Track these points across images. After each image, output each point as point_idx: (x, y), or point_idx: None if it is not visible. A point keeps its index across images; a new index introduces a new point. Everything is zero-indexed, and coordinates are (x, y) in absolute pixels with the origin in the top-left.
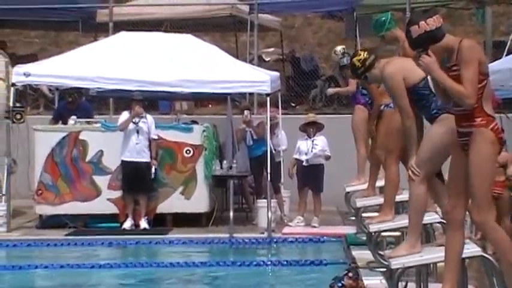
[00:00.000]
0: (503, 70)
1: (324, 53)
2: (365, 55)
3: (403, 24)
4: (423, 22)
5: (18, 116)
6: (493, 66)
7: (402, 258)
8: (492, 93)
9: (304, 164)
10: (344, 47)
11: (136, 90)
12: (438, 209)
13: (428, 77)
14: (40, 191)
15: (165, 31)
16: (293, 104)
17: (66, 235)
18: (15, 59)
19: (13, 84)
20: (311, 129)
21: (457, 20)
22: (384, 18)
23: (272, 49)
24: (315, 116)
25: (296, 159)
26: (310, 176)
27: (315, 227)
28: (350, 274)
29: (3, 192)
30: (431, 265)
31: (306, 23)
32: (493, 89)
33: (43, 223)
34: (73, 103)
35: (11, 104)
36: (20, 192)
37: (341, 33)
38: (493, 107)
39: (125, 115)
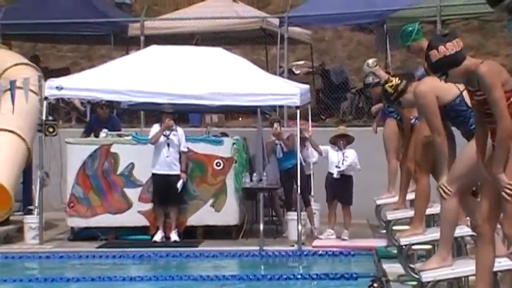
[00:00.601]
0: None
1: (354, 66)
2: (397, 81)
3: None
4: (442, 47)
5: (51, 129)
6: None
7: (433, 272)
8: None
9: (334, 176)
10: (376, 59)
11: (167, 103)
12: (470, 222)
13: (464, 93)
14: (72, 204)
15: (196, 44)
16: (323, 117)
17: (98, 247)
18: (48, 73)
19: (46, 98)
20: (341, 141)
21: (488, 32)
22: (410, 29)
23: (302, 62)
24: (346, 128)
25: (329, 172)
26: (340, 188)
27: (345, 239)
28: (375, 285)
29: (36, 205)
30: (463, 279)
31: (336, 35)
32: None
33: (75, 235)
34: (104, 116)
35: (43, 117)
36: (52, 204)
37: (371, 45)
38: None
39: (155, 128)
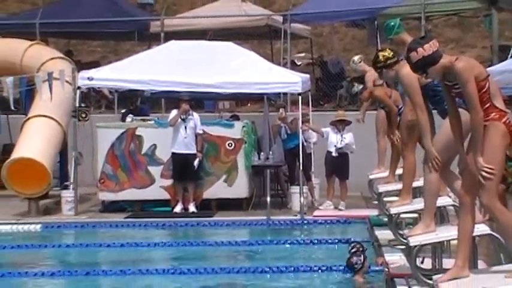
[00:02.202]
0: (508, 71)
1: (348, 57)
2: (390, 55)
3: (419, 32)
4: (421, 49)
5: (84, 115)
6: (498, 67)
7: (419, 237)
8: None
9: (333, 154)
10: (360, 56)
11: (184, 92)
12: (451, 194)
13: None
14: (102, 180)
15: (209, 39)
16: (322, 103)
17: (125, 218)
18: (80, 66)
19: (79, 88)
20: (340, 125)
21: (467, 26)
22: (392, 23)
23: (303, 54)
24: (344, 113)
25: (328, 151)
26: (338, 165)
27: (341, 210)
28: (353, 250)
29: (71, 181)
30: (445, 242)
31: (333, 31)
32: (499, 87)
33: (105, 207)
34: (135, 109)
35: (77, 105)
36: (85, 181)
37: (364, 39)
38: None
39: (174, 113)
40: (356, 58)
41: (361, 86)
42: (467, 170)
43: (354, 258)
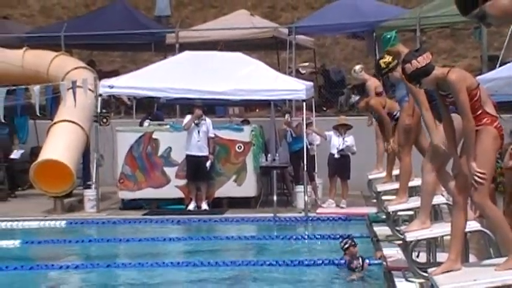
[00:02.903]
0: (497, 79)
1: (349, 66)
2: (390, 59)
3: (414, 43)
4: (415, 61)
5: (104, 120)
6: (488, 76)
7: (415, 233)
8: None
9: (335, 156)
10: (361, 66)
11: (197, 98)
12: (445, 193)
13: None
14: (122, 180)
15: (220, 50)
16: (324, 108)
17: (143, 215)
18: (102, 75)
19: (100, 95)
20: (342, 128)
21: (459, 38)
22: (389, 36)
23: (307, 64)
24: (346, 118)
25: (330, 153)
26: (339, 166)
27: (343, 207)
28: (345, 245)
29: (93, 181)
30: (439, 238)
31: (335, 42)
32: (489, 94)
33: (125, 205)
34: (152, 115)
35: (98, 110)
36: (106, 181)
37: (363, 50)
38: None
39: (188, 118)
40: (357, 68)
41: (358, 97)
42: (461, 172)
43: (354, 263)
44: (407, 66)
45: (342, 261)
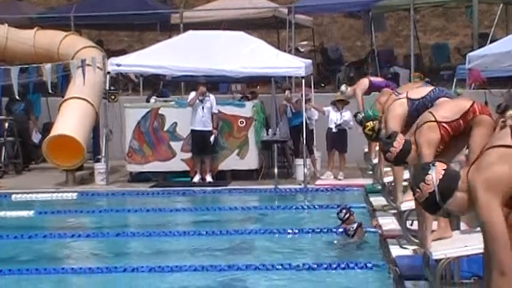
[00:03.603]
0: (487, 55)
1: (346, 45)
2: (372, 124)
3: (408, 21)
4: (392, 148)
5: (113, 97)
6: (479, 52)
7: (409, 203)
8: (478, 73)
9: (333, 130)
10: (345, 85)
11: (201, 76)
12: None
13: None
14: (130, 154)
15: (223, 29)
16: (322, 85)
17: (150, 187)
18: (110, 53)
19: (108, 73)
20: (339, 104)
21: (450, 16)
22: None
23: (306, 42)
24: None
25: (328, 127)
26: (337, 140)
27: (340, 179)
28: (342, 215)
29: (103, 155)
30: None
31: (332, 21)
32: (479, 70)
33: (133, 178)
34: (157, 91)
35: (107, 88)
36: (115, 154)
37: (360, 28)
38: (479, 84)
39: (192, 95)
40: (343, 88)
41: (361, 115)
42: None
43: (349, 227)
44: (389, 155)
45: (340, 230)
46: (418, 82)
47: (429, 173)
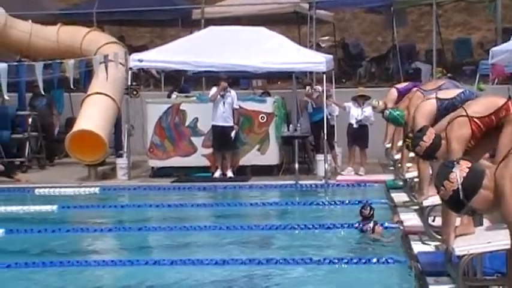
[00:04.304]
0: (510, 50)
1: (367, 40)
2: (410, 138)
3: (430, 16)
4: (422, 142)
5: (135, 92)
6: (502, 47)
7: (432, 198)
8: (502, 68)
9: (354, 126)
10: (376, 99)
11: (222, 71)
12: None
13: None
14: (151, 149)
15: (244, 25)
16: (343, 80)
17: (172, 182)
18: (132, 49)
19: (130, 68)
20: (360, 99)
21: (473, 11)
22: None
23: (327, 37)
24: (364, 89)
25: (349, 123)
26: (358, 135)
27: (361, 175)
28: (364, 210)
29: (125, 150)
30: None
31: (353, 16)
32: (503, 65)
33: (154, 173)
34: (178, 87)
35: (128, 83)
36: (137, 150)
37: (381, 24)
38: (502, 79)
39: (213, 90)
40: (374, 103)
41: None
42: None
43: (367, 225)
44: (418, 149)
45: (361, 225)
46: (441, 78)
47: (453, 170)
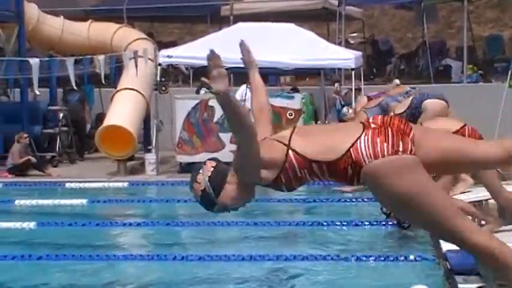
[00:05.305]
0: None
1: (397, 36)
2: None
3: (461, 12)
4: None
5: (164, 88)
6: None
7: (461, 196)
8: None
9: None
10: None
11: None
12: None
13: None
14: (180, 145)
15: (272, 21)
16: (372, 77)
17: None
18: (161, 45)
19: (159, 64)
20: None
21: (505, 7)
22: None
23: (356, 34)
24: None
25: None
26: None
27: None
28: None
29: (153, 145)
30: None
31: (383, 12)
32: None
33: (182, 169)
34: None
35: (158, 79)
36: (165, 145)
37: (411, 20)
38: None
39: (242, 88)
40: (344, 110)
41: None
42: None
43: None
44: None
45: (393, 222)
46: (399, 87)
47: (200, 172)
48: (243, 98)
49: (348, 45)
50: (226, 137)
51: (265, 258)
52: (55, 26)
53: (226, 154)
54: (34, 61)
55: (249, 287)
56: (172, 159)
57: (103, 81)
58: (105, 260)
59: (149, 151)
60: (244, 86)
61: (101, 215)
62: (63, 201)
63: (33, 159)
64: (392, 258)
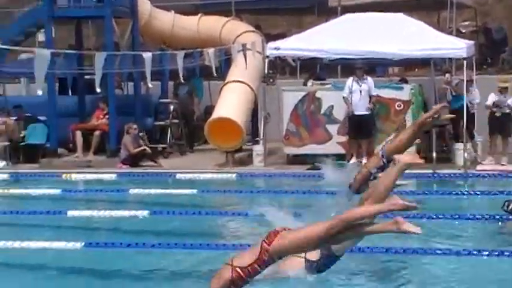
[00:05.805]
0: None
1: None
2: None
3: None
4: None
5: (271, 80)
6: None
7: None
8: None
9: (496, 114)
10: None
11: (358, 59)
12: None
13: None
14: (287, 136)
15: (381, 11)
16: (485, 67)
17: (307, 169)
18: (269, 38)
19: (267, 57)
20: (504, 92)
21: None
22: None
23: (467, 22)
24: (506, 78)
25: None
26: (501, 124)
27: (503, 165)
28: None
29: (261, 137)
30: None
31: (496, 0)
32: None
33: (290, 160)
34: (314, 75)
35: (265, 71)
36: (273, 137)
37: None
38: None
39: (349, 81)
40: None
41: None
42: None
43: None
44: None
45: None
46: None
47: None
48: (350, 89)
49: (459, 34)
50: (333, 128)
51: (373, 251)
52: (166, 20)
53: (333, 146)
54: (147, 55)
55: (357, 278)
56: (280, 150)
57: (214, 74)
58: (215, 250)
59: (257, 143)
60: (351, 78)
61: (210, 205)
62: (174, 191)
63: (148, 150)
64: (507, 254)
